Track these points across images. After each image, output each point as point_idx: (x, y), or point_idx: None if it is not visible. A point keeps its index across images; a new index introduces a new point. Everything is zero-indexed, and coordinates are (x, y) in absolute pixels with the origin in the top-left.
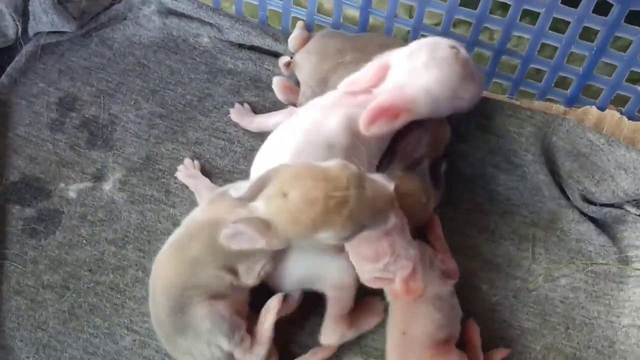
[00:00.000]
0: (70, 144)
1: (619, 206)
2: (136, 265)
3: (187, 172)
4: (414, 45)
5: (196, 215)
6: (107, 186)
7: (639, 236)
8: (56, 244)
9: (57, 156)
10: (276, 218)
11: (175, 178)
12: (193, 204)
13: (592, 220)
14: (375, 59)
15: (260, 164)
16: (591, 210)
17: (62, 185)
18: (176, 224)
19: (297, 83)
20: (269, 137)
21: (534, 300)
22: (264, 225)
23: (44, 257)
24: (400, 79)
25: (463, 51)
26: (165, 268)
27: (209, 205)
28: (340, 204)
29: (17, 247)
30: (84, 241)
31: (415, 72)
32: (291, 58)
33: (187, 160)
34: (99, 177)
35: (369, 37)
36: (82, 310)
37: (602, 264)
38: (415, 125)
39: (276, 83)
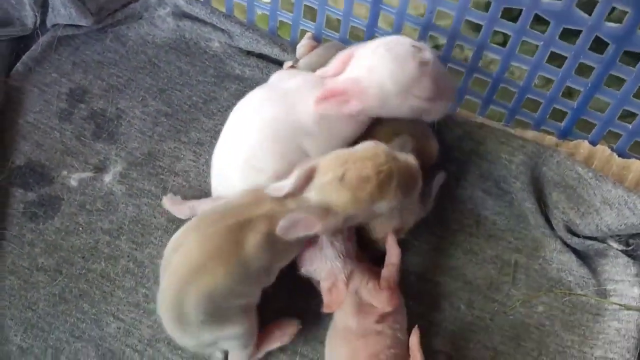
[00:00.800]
0: (77, 134)
1: (602, 240)
2: (128, 256)
3: (172, 202)
4: (379, 40)
5: (230, 215)
6: (108, 178)
7: (619, 271)
8: (54, 229)
9: (62, 145)
10: (336, 201)
11: (174, 175)
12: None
13: (574, 251)
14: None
15: (227, 136)
16: (574, 241)
17: (64, 173)
18: (171, 219)
19: None
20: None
21: (510, 324)
22: (323, 210)
23: (40, 241)
24: (358, 69)
25: (427, 53)
26: (209, 269)
27: (246, 204)
28: (388, 176)
29: (16, 229)
30: (80, 229)
31: (371, 65)
32: (294, 64)
33: (165, 198)
34: (100, 169)
35: None
36: (72, 295)
37: (580, 294)
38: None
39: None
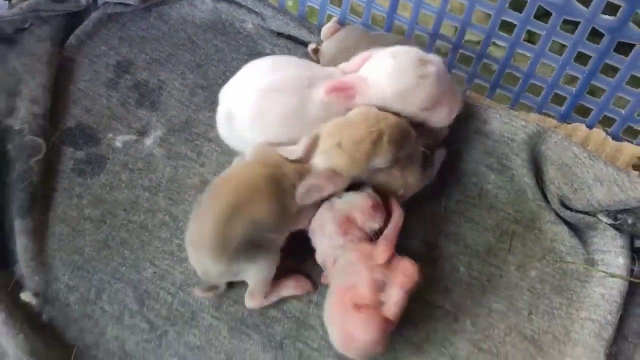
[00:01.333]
0: (122, 101)
1: (592, 214)
2: (164, 210)
3: None
4: (394, 47)
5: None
6: (149, 141)
7: (607, 242)
8: (99, 184)
9: (109, 110)
10: (339, 164)
11: (208, 141)
12: (220, 165)
13: (567, 223)
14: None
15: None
16: (567, 214)
17: (110, 135)
18: (203, 181)
19: None
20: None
21: (505, 286)
22: (334, 173)
23: (87, 194)
24: (368, 69)
25: (430, 67)
26: (256, 200)
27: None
28: (379, 134)
29: (67, 182)
30: (123, 185)
31: (377, 69)
32: (318, 46)
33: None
34: (142, 133)
35: (385, 35)
36: (114, 243)
37: (570, 262)
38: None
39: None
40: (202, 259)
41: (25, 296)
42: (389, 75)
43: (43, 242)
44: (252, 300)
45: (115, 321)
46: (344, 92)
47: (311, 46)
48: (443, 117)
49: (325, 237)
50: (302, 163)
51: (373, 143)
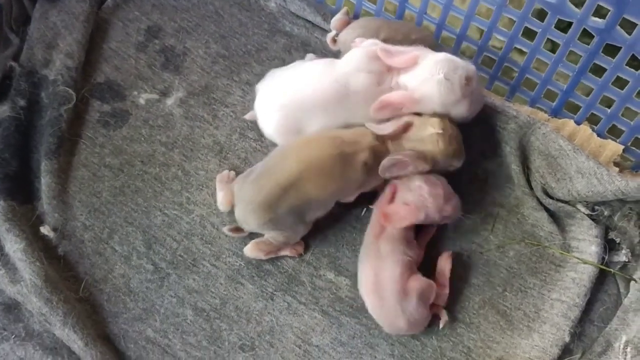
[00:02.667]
0: (149, 63)
1: (572, 204)
2: (178, 165)
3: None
4: (441, 58)
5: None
6: (170, 101)
7: (583, 231)
8: (121, 136)
9: (136, 70)
10: (431, 150)
11: (224, 106)
12: (233, 130)
13: (547, 210)
14: (413, 48)
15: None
16: (548, 202)
17: (135, 93)
18: (216, 142)
19: None
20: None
21: (484, 263)
22: (423, 156)
23: (109, 144)
24: (416, 81)
25: (473, 83)
26: (315, 182)
27: (352, 137)
28: (460, 141)
29: (91, 132)
30: (142, 139)
31: (427, 84)
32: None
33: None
34: (165, 93)
35: (403, 24)
36: (129, 190)
37: (547, 246)
38: None
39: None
40: (248, 210)
41: (45, 230)
42: (440, 94)
43: (65, 183)
44: (253, 252)
45: (123, 260)
46: (392, 108)
47: (330, 35)
48: (470, 117)
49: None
50: (380, 143)
51: (458, 144)
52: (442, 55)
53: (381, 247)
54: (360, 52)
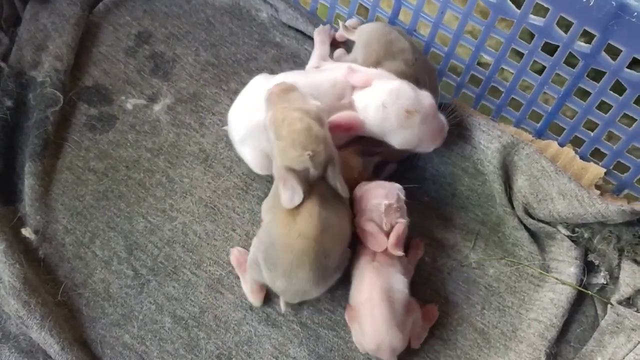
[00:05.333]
0: (138, 68)
1: (553, 225)
2: (162, 172)
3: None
4: (390, 86)
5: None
6: (157, 107)
7: (562, 252)
8: (107, 141)
9: (125, 75)
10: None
11: (212, 115)
12: (219, 138)
13: (528, 230)
14: (378, 70)
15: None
16: (529, 222)
17: (123, 97)
18: (202, 149)
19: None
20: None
21: (464, 280)
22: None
23: (95, 148)
24: (361, 103)
25: (416, 118)
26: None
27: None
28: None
29: (78, 135)
30: (128, 144)
31: (368, 107)
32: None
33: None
34: (152, 99)
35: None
36: (112, 195)
37: (526, 265)
38: None
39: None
40: (307, 295)
41: (26, 232)
42: (375, 119)
43: (49, 186)
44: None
45: (104, 265)
46: (342, 127)
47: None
48: (424, 149)
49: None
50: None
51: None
52: (395, 83)
53: (382, 259)
54: (337, 65)
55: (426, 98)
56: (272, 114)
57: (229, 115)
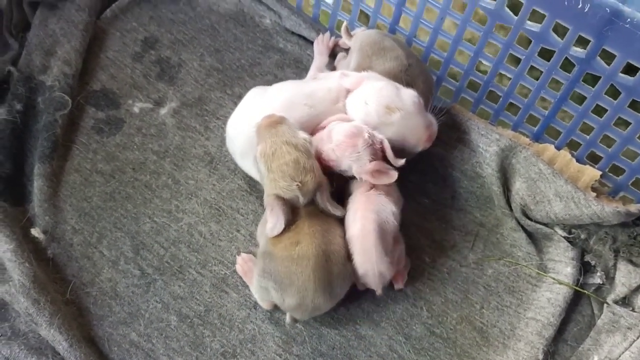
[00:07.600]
0: (144, 73)
1: (550, 226)
2: (168, 174)
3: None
4: (375, 85)
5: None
6: (163, 111)
7: (559, 253)
8: (114, 143)
9: (131, 79)
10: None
11: (216, 119)
12: (224, 141)
13: (526, 231)
14: (368, 73)
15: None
16: (527, 223)
17: (130, 101)
18: (207, 152)
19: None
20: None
21: (463, 280)
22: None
23: (102, 150)
24: (350, 103)
25: (395, 116)
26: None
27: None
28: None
29: (85, 138)
30: (135, 146)
31: (355, 105)
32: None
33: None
34: (158, 103)
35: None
36: (120, 196)
37: (524, 265)
38: None
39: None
40: (318, 311)
41: (35, 232)
42: (361, 118)
43: (57, 187)
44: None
45: (111, 265)
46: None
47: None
48: (412, 148)
49: None
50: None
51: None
52: (380, 83)
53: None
54: (331, 73)
55: (409, 96)
56: (262, 147)
57: (227, 129)
